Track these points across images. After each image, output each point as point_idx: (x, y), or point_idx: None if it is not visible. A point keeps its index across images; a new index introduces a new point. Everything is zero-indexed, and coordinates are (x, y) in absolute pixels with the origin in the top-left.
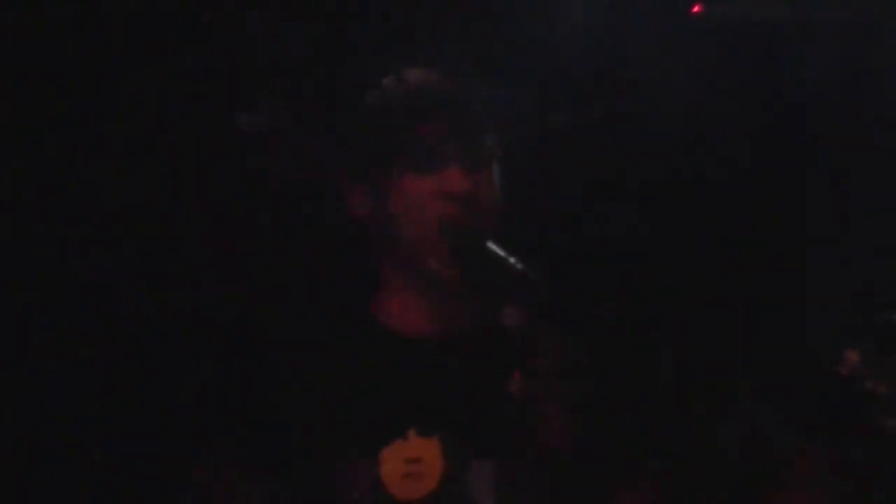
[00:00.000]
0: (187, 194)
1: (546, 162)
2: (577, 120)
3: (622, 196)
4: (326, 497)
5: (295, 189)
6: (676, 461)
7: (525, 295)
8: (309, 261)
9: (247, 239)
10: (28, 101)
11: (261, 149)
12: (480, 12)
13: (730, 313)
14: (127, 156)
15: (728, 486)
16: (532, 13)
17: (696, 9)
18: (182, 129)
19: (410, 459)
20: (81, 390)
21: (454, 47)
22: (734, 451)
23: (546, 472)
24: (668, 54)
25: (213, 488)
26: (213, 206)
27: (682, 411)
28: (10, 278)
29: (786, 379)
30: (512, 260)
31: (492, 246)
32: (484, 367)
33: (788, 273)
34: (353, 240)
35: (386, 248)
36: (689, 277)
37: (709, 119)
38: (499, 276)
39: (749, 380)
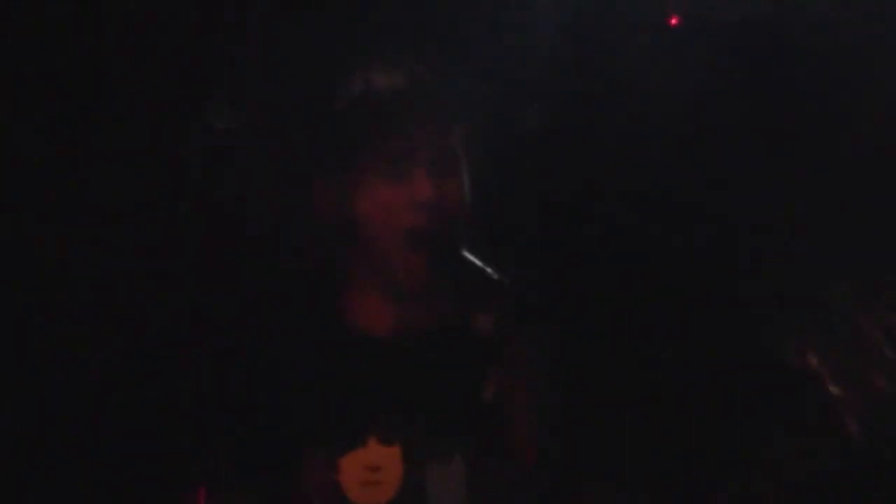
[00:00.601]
0: (156, 194)
1: (525, 164)
2: (562, 122)
3: (607, 198)
4: (285, 501)
5: (262, 190)
6: (648, 463)
7: (495, 300)
8: (276, 262)
9: (215, 240)
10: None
11: (228, 148)
12: (466, 12)
13: (725, 316)
14: (94, 155)
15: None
16: (523, 12)
17: (673, 21)
18: (151, 129)
19: (370, 467)
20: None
21: (440, 47)
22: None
23: (513, 475)
24: (659, 55)
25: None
26: (179, 207)
27: (658, 414)
28: (9, 278)
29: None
30: (482, 266)
31: (463, 252)
32: (452, 371)
33: (782, 273)
34: (321, 242)
35: (354, 251)
36: (677, 280)
37: (702, 120)
38: (468, 282)
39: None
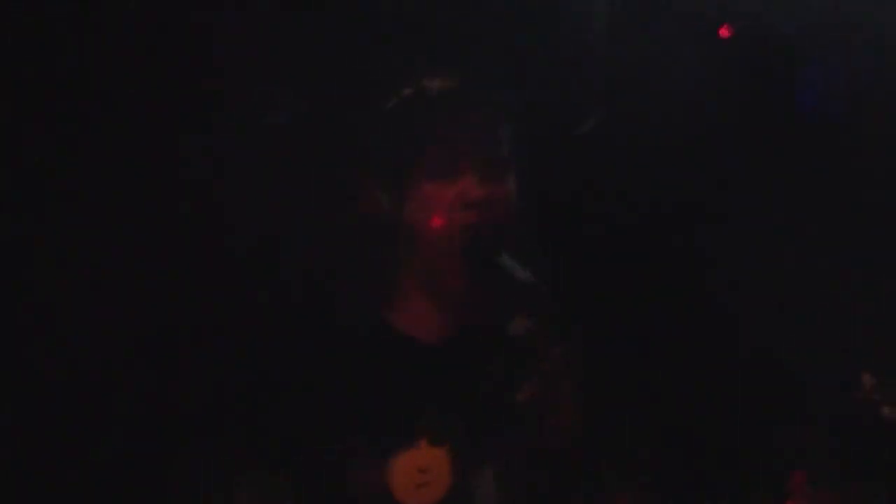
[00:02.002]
0: (197, 193)
1: (557, 166)
2: (587, 125)
3: (630, 200)
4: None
5: (312, 191)
6: (676, 462)
7: (534, 305)
8: (323, 264)
9: (261, 240)
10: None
11: (281, 147)
12: (499, 18)
13: (733, 320)
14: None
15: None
16: (551, 21)
17: (724, 31)
18: (202, 125)
19: (421, 469)
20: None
21: (474, 51)
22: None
23: (547, 474)
24: (679, 61)
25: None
26: (227, 205)
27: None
28: (10, 278)
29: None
30: (524, 271)
31: (505, 257)
32: (492, 373)
33: (790, 280)
34: (367, 244)
35: (401, 253)
36: (696, 283)
37: (717, 124)
38: (510, 286)
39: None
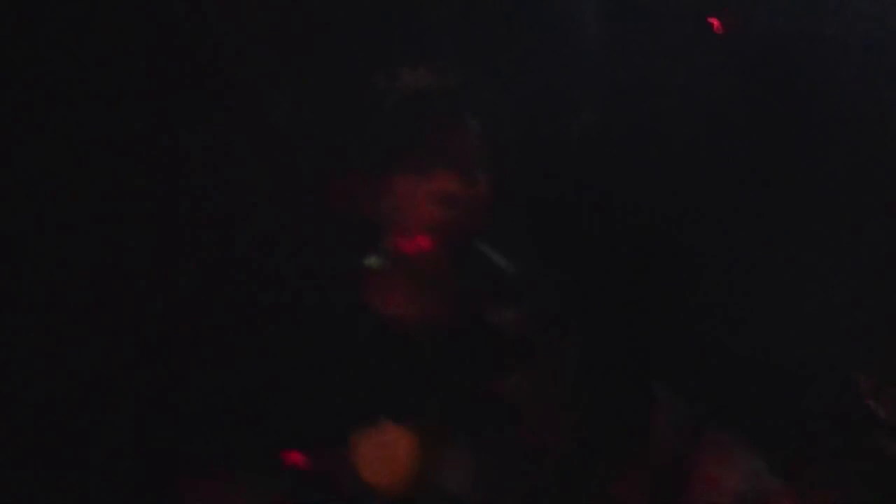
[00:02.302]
0: (167, 187)
1: (552, 165)
2: (586, 124)
3: (628, 199)
4: (303, 484)
5: (288, 182)
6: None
7: (518, 297)
8: (300, 250)
9: (239, 227)
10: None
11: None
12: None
13: (732, 318)
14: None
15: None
16: (551, 20)
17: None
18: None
19: (383, 446)
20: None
21: (464, 47)
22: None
23: (526, 463)
24: (677, 61)
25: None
26: (201, 199)
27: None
28: (10, 278)
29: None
30: (502, 261)
31: (483, 247)
32: (468, 361)
33: (793, 282)
34: (347, 238)
35: (381, 246)
36: (695, 281)
37: (716, 124)
38: (488, 276)
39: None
